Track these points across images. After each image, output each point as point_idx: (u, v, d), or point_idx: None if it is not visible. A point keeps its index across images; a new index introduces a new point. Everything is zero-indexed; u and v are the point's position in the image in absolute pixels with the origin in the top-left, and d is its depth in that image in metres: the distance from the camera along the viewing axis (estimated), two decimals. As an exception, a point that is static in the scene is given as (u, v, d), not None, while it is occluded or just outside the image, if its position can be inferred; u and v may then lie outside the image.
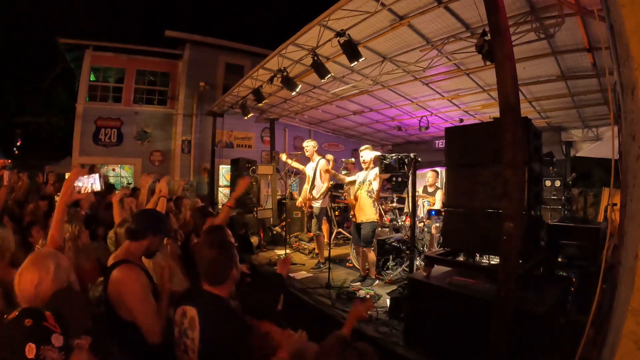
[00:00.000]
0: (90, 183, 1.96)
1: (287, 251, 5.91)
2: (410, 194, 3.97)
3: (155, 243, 1.94)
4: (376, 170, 4.46)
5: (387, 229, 5.53)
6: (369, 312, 3.45)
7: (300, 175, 6.14)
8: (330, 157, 5.44)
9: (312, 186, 5.34)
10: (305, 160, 5.65)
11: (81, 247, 2.30)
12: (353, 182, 4.77)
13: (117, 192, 3.26)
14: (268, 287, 1.87)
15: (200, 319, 1.56)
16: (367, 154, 4.61)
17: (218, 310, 1.60)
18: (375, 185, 4.49)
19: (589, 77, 5.56)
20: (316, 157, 5.36)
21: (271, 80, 6.34)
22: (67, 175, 10.05)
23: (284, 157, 5.84)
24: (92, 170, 6.97)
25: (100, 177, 2.02)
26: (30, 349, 0.90)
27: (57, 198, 2.90)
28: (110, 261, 1.81)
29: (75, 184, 1.92)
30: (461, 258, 3.06)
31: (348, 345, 1.29)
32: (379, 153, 4.57)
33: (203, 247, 1.72)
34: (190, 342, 1.56)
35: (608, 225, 2.52)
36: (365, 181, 4.53)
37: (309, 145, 5.39)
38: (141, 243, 1.86)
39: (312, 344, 1.66)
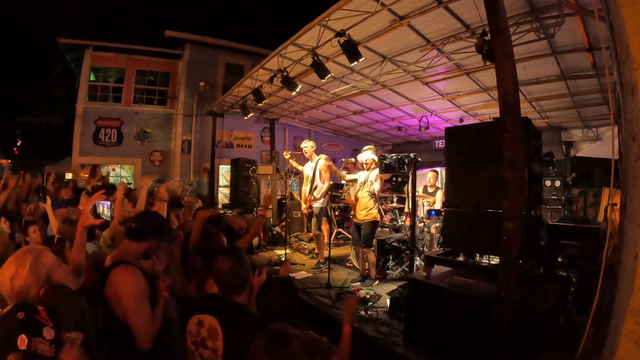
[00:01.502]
0: (101, 207, 1.96)
1: (287, 251, 5.91)
2: (410, 194, 3.97)
3: (154, 247, 1.93)
4: (377, 171, 4.46)
5: (387, 229, 5.53)
6: (368, 312, 3.46)
7: (300, 175, 6.13)
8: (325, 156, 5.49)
9: (312, 186, 5.35)
10: (304, 161, 5.67)
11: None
12: (354, 181, 4.76)
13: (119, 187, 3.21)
14: (284, 292, 1.79)
15: (223, 328, 1.51)
16: (363, 155, 4.65)
17: (242, 319, 1.56)
18: (377, 186, 4.49)
19: (589, 77, 5.56)
20: (315, 157, 5.37)
21: (271, 80, 6.34)
22: (67, 176, 10.01)
23: (287, 155, 5.81)
24: (94, 171, 6.96)
25: (110, 207, 2.02)
26: (22, 340, 0.93)
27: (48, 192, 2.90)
28: (109, 261, 1.81)
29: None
30: (461, 258, 3.06)
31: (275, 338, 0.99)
32: (373, 156, 4.56)
33: (217, 258, 1.68)
34: (211, 352, 1.51)
35: (608, 225, 2.52)
36: (367, 181, 4.53)
37: (308, 145, 5.42)
38: (141, 245, 1.85)
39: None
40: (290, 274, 4.78)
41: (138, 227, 1.85)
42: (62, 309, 1.11)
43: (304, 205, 5.60)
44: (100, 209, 1.97)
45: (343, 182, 6.68)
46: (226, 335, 1.49)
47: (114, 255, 1.84)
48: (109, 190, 4.16)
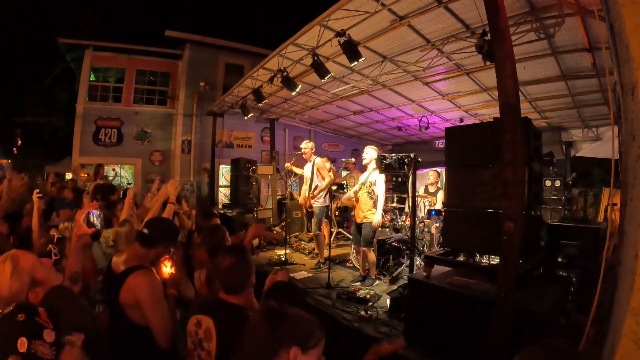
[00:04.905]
0: (91, 216, 1.96)
1: (287, 251, 5.91)
2: (410, 194, 3.96)
3: (165, 253, 1.97)
4: (376, 174, 4.43)
5: (387, 229, 5.52)
6: (369, 312, 3.45)
7: (300, 175, 6.17)
8: (327, 161, 5.57)
9: (312, 186, 5.37)
10: (303, 163, 5.73)
11: (83, 247, 2.30)
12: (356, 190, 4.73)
13: (128, 190, 3.23)
14: (289, 299, 1.69)
15: (217, 329, 1.48)
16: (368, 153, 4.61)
17: (236, 320, 1.49)
18: (379, 189, 4.47)
19: (589, 77, 5.55)
20: (313, 157, 5.43)
21: (271, 80, 6.34)
22: (67, 175, 9.99)
23: (287, 164, 6.12)
24: (97, 170, 6.96)
25: (100, 216, 2.01)
26: (22, 343, 0.92)
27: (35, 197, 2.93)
28: (122, 265, 1.80)
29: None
30: (461, 258, 3.06)
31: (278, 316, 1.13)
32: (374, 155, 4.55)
33: (219, 255, 1.68)
34: (206, 354, 1.49)
35: (608, 225, 2.53)
36: (366, 182, 4.53)
37: (308, 146, 5.45)
38: (152, 251, 1.88)
39: None
40: (290, 275, 4.81)
41: (150, 234, 1.87)
42: (63, 311, 1.11)
43: (300, 199, 5.71)
44: (91, 218, 1.96)
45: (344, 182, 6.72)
46: (219, 337, 1.47)
47: (126, 260, 1.84)
48: (110, 191, 4.16)
